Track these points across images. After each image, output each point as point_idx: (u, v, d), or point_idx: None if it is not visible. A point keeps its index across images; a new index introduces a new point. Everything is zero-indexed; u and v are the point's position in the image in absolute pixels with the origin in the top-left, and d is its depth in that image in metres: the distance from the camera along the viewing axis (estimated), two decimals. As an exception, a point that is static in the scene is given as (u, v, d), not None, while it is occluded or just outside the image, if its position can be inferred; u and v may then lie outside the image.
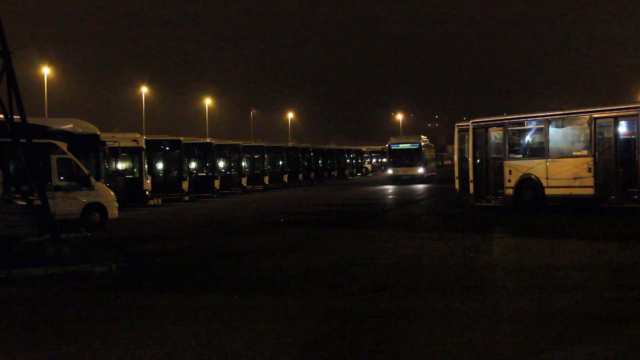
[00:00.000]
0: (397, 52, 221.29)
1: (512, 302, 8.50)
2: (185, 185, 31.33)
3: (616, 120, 18.66)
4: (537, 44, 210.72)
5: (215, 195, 33.99)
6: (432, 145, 57.45)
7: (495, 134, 22.10)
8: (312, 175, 51.17)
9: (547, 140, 20.30)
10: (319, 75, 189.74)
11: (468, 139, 22.76)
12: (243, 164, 38.93)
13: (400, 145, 47.23)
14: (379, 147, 72.99)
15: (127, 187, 26.54)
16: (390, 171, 47.30)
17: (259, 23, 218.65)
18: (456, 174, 24.23)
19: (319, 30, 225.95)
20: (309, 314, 8.26)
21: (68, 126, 21.48)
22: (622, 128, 18.84)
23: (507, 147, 21.48)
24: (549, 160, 20.07)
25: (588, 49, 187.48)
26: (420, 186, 41.37)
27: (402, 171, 45.39)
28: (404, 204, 27.52)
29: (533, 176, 20.39)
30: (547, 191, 20.02)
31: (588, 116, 19.26)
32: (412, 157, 45.95)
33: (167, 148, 31.74)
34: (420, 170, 45.53)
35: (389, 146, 47.85)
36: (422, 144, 47.04)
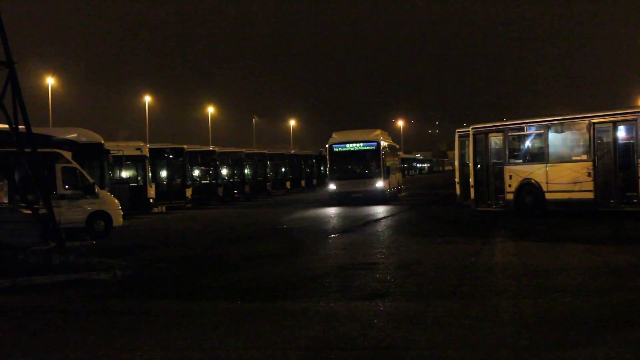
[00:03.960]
0: (397, 59, 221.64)
1: (513, 305, 8.59)
2: (188, 192, 31.52)
3: (615, 124, 18.76)
4: (538, 46, 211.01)
5: (218, 203, 34.13)
6: (397, 146, 40.12)
7: (496, 140, 22.23)
8: (315, 181, 51.22)
9: (547, 145, 20.41)
10: (320, 82, 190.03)
11: (468, 145, 22.87)
12: (245, 171, 39.07)
13: (347, 145, 31.00)
14: None
15: (131, 195, 26.70)
16: (332, 186, 30.92)
17: (263, 29, 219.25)
18: (457, 179, 24.38)
19: (322, 38, 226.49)
20: (312, 318, 8.35)
21: (72, 135, 21.67)
22: (621, 132, 18.94)
23: (507, 152, 21.61)
24: (549, 165, 20.17)
25: (589, 52, 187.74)
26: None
27: (350, 186, 30.09)
28: (405, 210, 27.58)
29: (533, 181, 20.49)
30: (547, 195, 20.12)
31: (587, 121, 19.38)
32: (365, 164, 30.92)
33: (171, 156, 31.91)
34: (379, 184, 30.10)
35: (330, 147, 31.20)
36: (382, 143, 31.01)
